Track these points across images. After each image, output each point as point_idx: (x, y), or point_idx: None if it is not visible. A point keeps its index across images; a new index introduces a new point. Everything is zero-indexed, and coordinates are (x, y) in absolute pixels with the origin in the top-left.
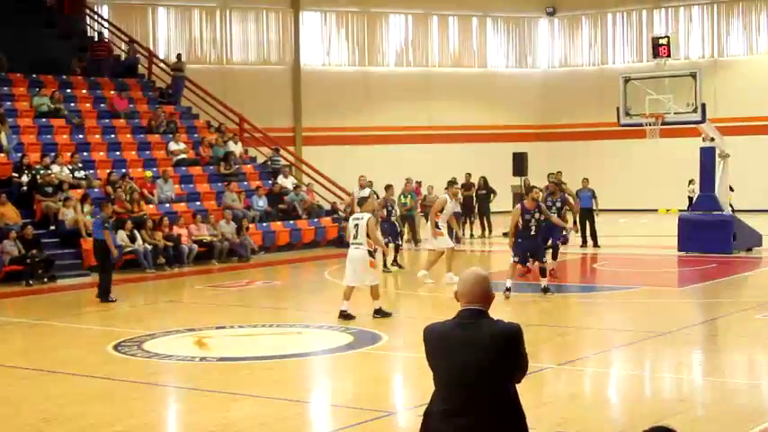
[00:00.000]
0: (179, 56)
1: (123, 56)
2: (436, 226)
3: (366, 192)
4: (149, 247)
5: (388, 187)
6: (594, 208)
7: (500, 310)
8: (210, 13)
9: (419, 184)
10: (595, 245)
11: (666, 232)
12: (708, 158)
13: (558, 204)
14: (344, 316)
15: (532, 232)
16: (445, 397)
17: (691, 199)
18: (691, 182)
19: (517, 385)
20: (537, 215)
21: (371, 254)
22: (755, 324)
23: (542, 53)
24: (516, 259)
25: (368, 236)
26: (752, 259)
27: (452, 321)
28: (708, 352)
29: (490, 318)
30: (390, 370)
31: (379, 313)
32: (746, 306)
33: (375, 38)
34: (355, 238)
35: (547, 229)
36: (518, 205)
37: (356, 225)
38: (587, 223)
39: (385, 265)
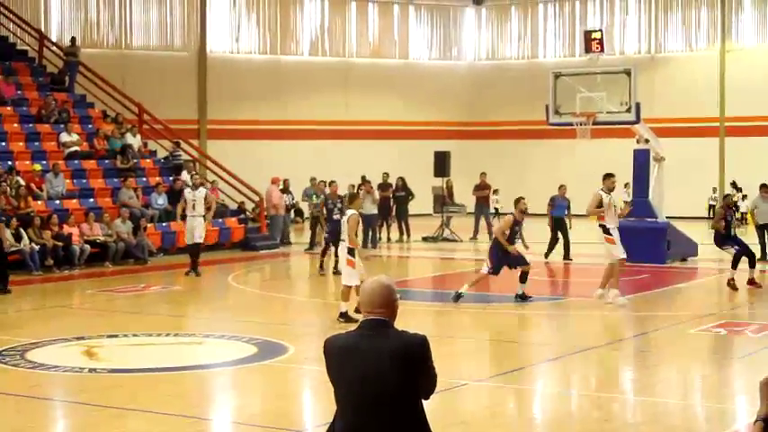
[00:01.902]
0: (73, 39)
1: (11, 37)
2: (605, 231)
3: (201, 191)
4: (36, 248)
5: (332, 183)
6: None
7: (420, 321)
8: None
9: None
10: (567, 256)
11: (597, 239)
12: (642, 161)
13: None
14: (344, 317)
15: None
16: (346, 414)
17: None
18: (626, 185)
19: (428, 402)
20: (521, 227)
21: (351, 252)
22: (689, 339)
23: (468, 45)
24: (491, 270)
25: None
26: (686, 270)
27: (354, 333)
28: (638, 369)
29: (394, 328)
30: (297, 384)
31: (344, 317)
32: (680, 320)
33: (288, 24)
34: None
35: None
36: (509, 215)
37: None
38: (559, 234)
39: (321, 267)
